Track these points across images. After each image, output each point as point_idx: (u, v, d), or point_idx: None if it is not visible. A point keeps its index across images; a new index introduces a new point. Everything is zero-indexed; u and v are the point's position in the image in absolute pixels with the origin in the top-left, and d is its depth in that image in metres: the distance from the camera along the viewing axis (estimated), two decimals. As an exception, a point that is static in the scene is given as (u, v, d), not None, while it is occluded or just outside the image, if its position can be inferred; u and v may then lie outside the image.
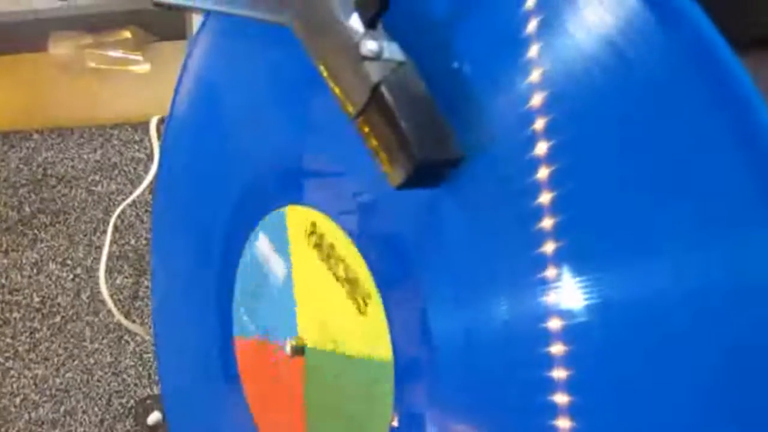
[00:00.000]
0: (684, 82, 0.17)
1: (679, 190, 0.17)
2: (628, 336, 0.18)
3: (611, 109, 0.18)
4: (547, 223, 0.19)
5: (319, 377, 0.28)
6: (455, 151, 0.19)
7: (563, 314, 0.19)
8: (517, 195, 0.20)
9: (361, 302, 0.25)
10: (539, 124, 0.19)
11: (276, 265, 0.29)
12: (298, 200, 0.28)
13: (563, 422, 0.19)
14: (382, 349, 0.24)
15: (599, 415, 0.18)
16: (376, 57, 0.19)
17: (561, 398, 0.19)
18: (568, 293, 0.19)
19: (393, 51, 0.19)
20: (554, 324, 0.19)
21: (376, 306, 0.24)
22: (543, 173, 0.19)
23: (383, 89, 0.19)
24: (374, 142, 0.19)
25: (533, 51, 0.19)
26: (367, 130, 0.20)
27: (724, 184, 0.16)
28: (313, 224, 0.27)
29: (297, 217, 0.28)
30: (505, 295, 0.20)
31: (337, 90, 0.20)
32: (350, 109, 0.20)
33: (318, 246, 0.27)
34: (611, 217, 0.18)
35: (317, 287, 0.27)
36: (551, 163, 0.19)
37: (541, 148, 0.19)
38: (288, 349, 0.28)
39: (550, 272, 0.19)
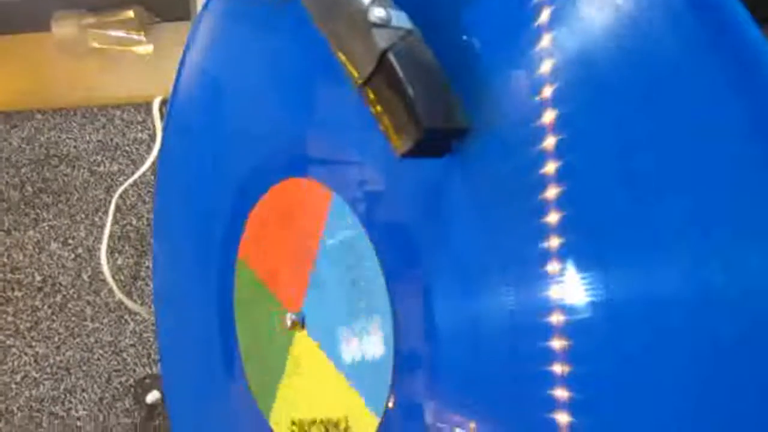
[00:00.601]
0: (704, 62, 0.16)
1: (691, 183, 0.17)
2: (629, 333, 0.18)
3: (622, 92, 0.18)
4: (552, 217, 0.19)
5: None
6: (461, 121, 0.19)
7: (566, 309, 0.19)
8: (526, 187, 0.19)
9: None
10: (548, 115, 0.19)
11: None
12: (307, 173, 0.28)
13: (562, 417, 0.19)
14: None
15: (598, 411, 0.18)
16: (384, 24, 0.19)
17: (561, 393, 0.19)
18: (571, 288, 0.19)
19: (401, 19, 0.19)
20: (557, 318, 0.19)
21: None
22: (550, 167, 0.19)
23: (390, 56, 0.19)
24: (381, 111, 0.20)
25: (542, 18, 0.19)
26: (373, 98, 0.20)
27: (738, 180, 0.16)
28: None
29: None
30: (509, 286, 0.20)
31: (344, 58, 0.20)
32: (357, 77, 0.20)
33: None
34: (618, 212, 0.18)
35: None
36: (558, 158, 0.19)
37: (550, 141, 0.19)
38: (288, 322, 0.28)
39: (554, 266, 0.19)
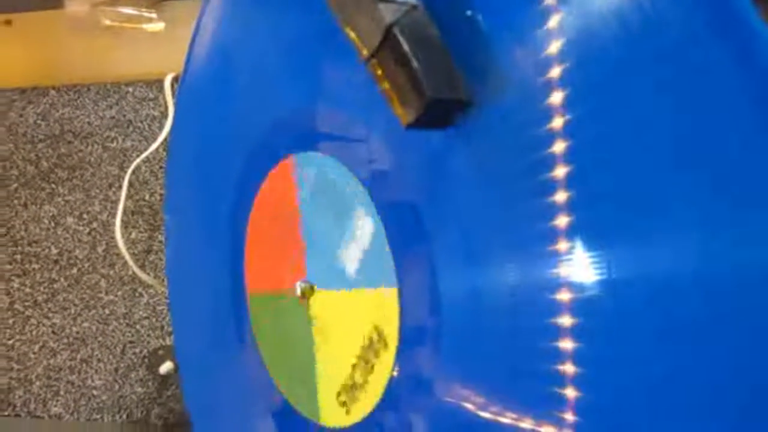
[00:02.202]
0: (709, 39, 0.16)
1: (702, 160, 0.17)
2: (637, 312, 0.18)
3: (631, 66, 0.18)
4: (560, 195, 0.19)
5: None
6: (465, 93, 0.20)
7: (573, 287, 0.19)
8: (533, 165, 0.20)
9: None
10: (557, 96, 0.19)
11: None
12: (310, 148, 0.29)
13: (570, 391, 0.19)
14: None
15: (606, 387, 0.19)
16: (390, 0, 0.20)
17: (567, 368, 0.19)
18: (578, 266, 0.19)
19: (406, -6, 0.20)
20: (563, 296, 0.19)
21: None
22: (559, 147, 0.19)
23: (396, 31, 0.20)
24: (386, 84, 0.20)
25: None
26: (379, 72, 0.20)
27: (749, 158, 0.16)
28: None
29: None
30: (515, 260, 0.20)
31: (351, 33, 0.21)
32: (363, 51, 0.21)
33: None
34: (626, 190, 0.18)
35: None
36: (566, 138, 0.19)
37: (557, 122, 0.19)
38: (298, 290, 0.29)
39: (561, 244, 0.19)
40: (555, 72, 0.19)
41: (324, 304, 0.29)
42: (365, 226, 0.25)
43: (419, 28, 0.20)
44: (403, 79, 0.20)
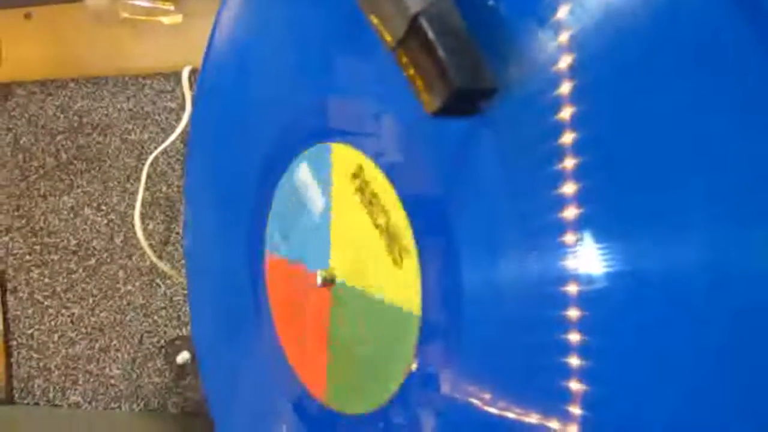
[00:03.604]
0: (730, 23, 0.16)
1: (720, 155, 0.16)
2: (646, 306, 0.18)
3: (648, 52, 0.18)
4: (571, 187, 0.19)
5: (345, 311, 0.29)
6: (490, 81, 0.20)
7: (584, 279, 0.19)
8: (546, 154, 0.19)
9: (397, 256, 0.26)
10: (566, 85, 0.19)
11: (315, 197, 0.31)
12: (344, 140, 0.29)
13: (575, 385, 0.19)
14: (412, 303, 0.25)
15: (614, 383, 0.19)
16: (417, -12, 0.20)
17: (575, 361, 0.19)
18: (590, 258, 0.19)
19: (432, -17, 0.20)
20: (575, 288, 0.19)
21: (412, 261, 0.25)
22: (569, 138, 0.19)
23: (422, 19, 0.20)
24: (412, 72, 0.21)
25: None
26: (405, 60, 0.21)
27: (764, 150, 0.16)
28: (360, 167, 0.28)
29: (343, 156, 0.29)
30: (530, 252, 0.20)
31: (377, 22, 0.21)
32: (390, 40, 0.21)
33: (361, 191, 0.28)
34: (639, 182, 0.18)
35: (354, 229, 0.28)
36: (580, 128, 0.19)
37: (568, 112, 0.19)
38: (319, 279, 0.29)
39: (573, 236, 0.19)
40: (568, 61, 0.19)
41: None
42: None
43: (445, 16, 0.20)
44: (429, 68, 0.20)
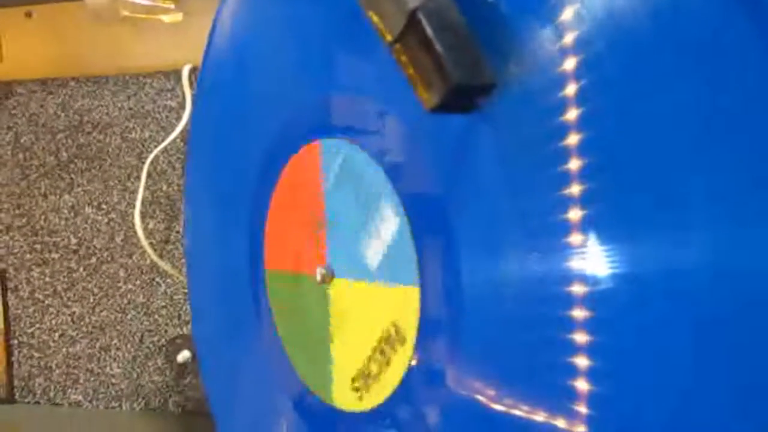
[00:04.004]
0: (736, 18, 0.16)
1: (726, 154, 0.16)
2: (652, 306, 0.18)
3: (651, 53, 0.18)
4: (575, 189, 0.19)
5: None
6: (489, 77, 0.20)
7: (589, 280, 0.19)
8: (549, 156, 0.19)
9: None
10: (572, 87, 0.19)
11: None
12: (343, 136, 0.29)
13: (582, 384, 0.19)
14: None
15: (619, 382, 0.19)
16: (414, -17, 0.20)
17: (581, 361, 0.19)
18: (594, 259, 0.19)
19: (430, -22, 0.20)
20: (578, 288, 0.19)
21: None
22: (573, 139, 0.19)
23: (420, 15, 0.20)
24: (410, 68, 0.20)
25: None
26: (403, 56, 0.21)
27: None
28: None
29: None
30: (534, 251, 0.20)
31: (375, 18, 0.21)
32: (388, 36, 0.21)
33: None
34: (644, 183, 0.18)
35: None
36: (585, 128, 0.19)
37: (572, 113, 0.19)
38: (318, 276, 0.29)
39: (577, 237, 0.19)
40: (574, 61, 0.19)
41: (343, 291, 0.29)
42: (390, 222, 0.26)
43: (443, 12, 0.20)
44: (427, 64, 0.20)
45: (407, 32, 0.20)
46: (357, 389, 0.29)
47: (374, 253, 0.27)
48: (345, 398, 0.29)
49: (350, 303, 0.29)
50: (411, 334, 0.25)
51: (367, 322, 0.28)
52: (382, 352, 0.27)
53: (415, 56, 0.20)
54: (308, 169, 0.30)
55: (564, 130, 0.19)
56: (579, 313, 0.19)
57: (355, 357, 0.29)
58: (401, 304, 0.26)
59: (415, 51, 0.20)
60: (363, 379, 0.28)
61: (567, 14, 0.20)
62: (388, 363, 0.27)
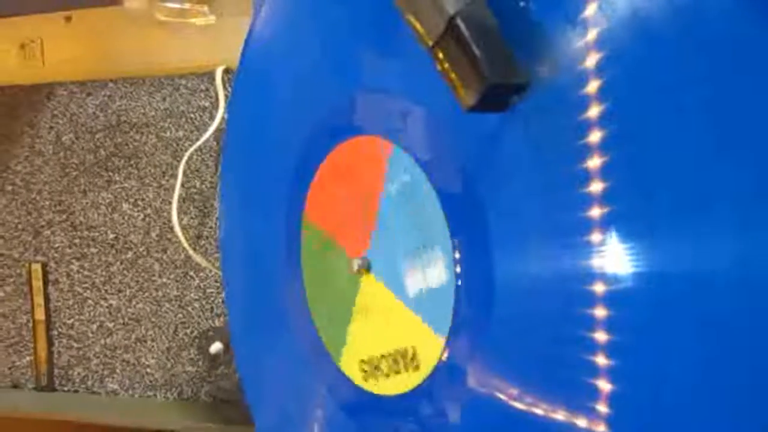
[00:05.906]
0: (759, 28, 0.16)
1: (748, 157, 0.16)
2: (673, 306, 0.18)
3: (674, 55, 0.18)
4: (598, 185, 0.19)
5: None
6: (522, 76, 0.21)
7: (612, 279, 0.19)
8: (574, 151, 0.20)
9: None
10: (593, 84, 0.19)
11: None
12: (377, 134, 0.29)
13: (603, 383, 0.19)
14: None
15: (640, 381, 0.19)
16: (453, -10, 0.21)
17: (603, 360, 0.19)
18: (618, 258, 0.19)
19: (467, -15, 0.21)
20: (602, 288, 0.19)
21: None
22: (595, 136, 0.19)
23: (458, 20, 0.21)
24: (448, 69, 0.22)
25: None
26: (442, 57, 0.22)
27: None
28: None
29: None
30: (560, 249, 0.21)
31: (414, 22, 0.23)
32: (427, 39, 0.22)
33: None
34: (669, 183, 0.18)
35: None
36: (607, 126, 0.19)
37: (594, 110, 0.20)
38: (355, 267, 0.31)
39: (601, 235, 0.19)
40: (592, 59, 0.20)
41: (374, 289, 0.30)
42: (438, 272, 0.26)
43: (479, 17, 0.22)
44: (464, 65, 0.21)
45: (446, 36, 0.22)
46: (364, 371, 0.30)
47: (415, 283, 0.27)
48: (351, 369, 0.31)
49: (379, 304, 0.30)
50: (425, 370, 0.26)
51: (389, 330, 0.29)
52: (396, 362, 0.28)
53: (453, 58, 0.22)
54: (372, 161, 0.29)
55: (587, 126, 0.20)
56: (601, 312, 0.19)
57: (370, 346, 0.30)
58: (426, 343, 0.26)
59: (453, 53, 0.22)
60: (372, 368, 0.29)
61: (591, 12, 0.20)
62: (398, 372, 0.28)
